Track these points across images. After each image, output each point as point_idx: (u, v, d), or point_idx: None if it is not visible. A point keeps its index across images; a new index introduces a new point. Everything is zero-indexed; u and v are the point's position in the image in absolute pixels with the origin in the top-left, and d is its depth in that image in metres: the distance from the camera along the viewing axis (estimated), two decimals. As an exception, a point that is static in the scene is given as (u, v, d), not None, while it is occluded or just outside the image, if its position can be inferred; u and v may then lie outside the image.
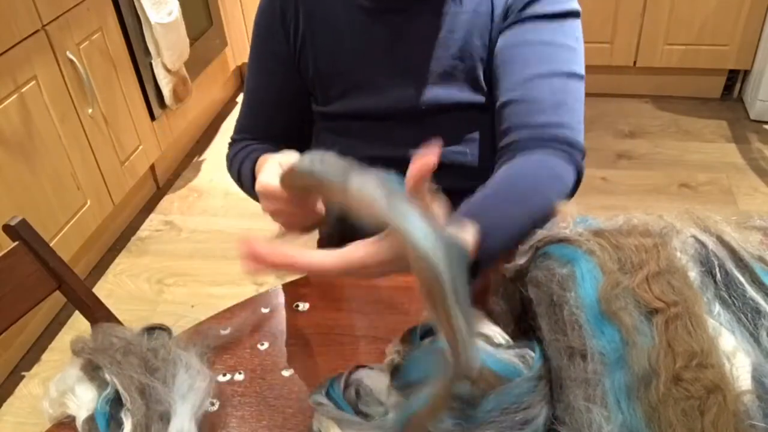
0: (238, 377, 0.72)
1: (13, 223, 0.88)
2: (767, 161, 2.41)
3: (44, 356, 1.80)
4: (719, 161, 2.42)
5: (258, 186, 0.73)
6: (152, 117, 2.27)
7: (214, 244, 2.18)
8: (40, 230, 0.91)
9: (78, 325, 1.87)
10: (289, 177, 0.65)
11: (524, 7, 0.86)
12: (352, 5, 0.90)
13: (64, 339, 1.85)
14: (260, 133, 1.00)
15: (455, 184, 0.70)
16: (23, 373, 1.75)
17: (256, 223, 2.18)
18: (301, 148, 0.94)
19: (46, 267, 0.91)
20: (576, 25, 0.87)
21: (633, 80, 2.76)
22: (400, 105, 0.92)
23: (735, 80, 2.77)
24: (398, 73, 0.91)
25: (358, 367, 0.64)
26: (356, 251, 0.55)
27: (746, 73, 2.73)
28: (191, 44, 2.38)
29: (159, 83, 2.25)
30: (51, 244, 0.93)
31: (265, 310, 0.81)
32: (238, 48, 2.95)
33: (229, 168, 1.00)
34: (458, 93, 0.91)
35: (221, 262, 2.10)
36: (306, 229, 0.78)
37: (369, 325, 0.77)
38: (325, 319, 0.79)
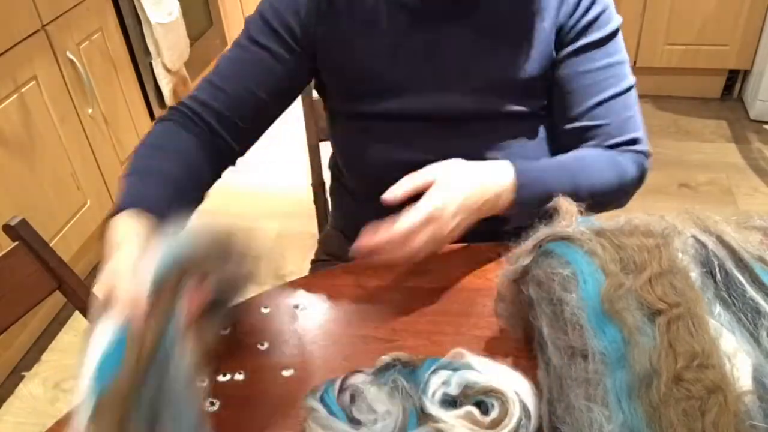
0: (238, 377, 0.72)
1: (13, 223, 0.88)
2: (767, 161, 2.41)
3: (44, 356, 1.80)
4: (719, 161, 2.42)
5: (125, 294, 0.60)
6: (152, 117, 2.27)
7: (214, 244, 2.18)
8: (40, 230, 0.91)
9: (78, 325, 1.87)
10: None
11: (579, 35, 0.88)
12: (396, 4, 0.87)
13: (64, 339, 1.85)
14: (221, 104, 0.89)
15: None
16: (23, 373, 1.75)
17: (256, 223, 2.18)
18: (251, 137, 0.93)
19: (46, 267, 0.91)
20: (621, 38, 0.91)
21: (633, 80, 2.75)
22: (436, 110, 0.90)
23: (735, 80, 2.77)
24: (436, 78, 0.89)
25: (355, 371, 0.64)
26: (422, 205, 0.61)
27: (746, 73, 2.73)
28: (191, 44, 2.38)
29: (159, 83, 2.25)
30: (51, 244, 0.93)
31: (265, 310, 0.81)
32: (238, 48, 2.95)
33: (146, 138, 0.89)
34: (496, 102, 0.90)
35: (221, 262, 2.09)
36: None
37: (369, 325, 0.77)
38: (325, 319, 0.79)
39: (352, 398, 0.61)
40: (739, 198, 2.22)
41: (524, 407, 0.58)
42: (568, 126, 0.91)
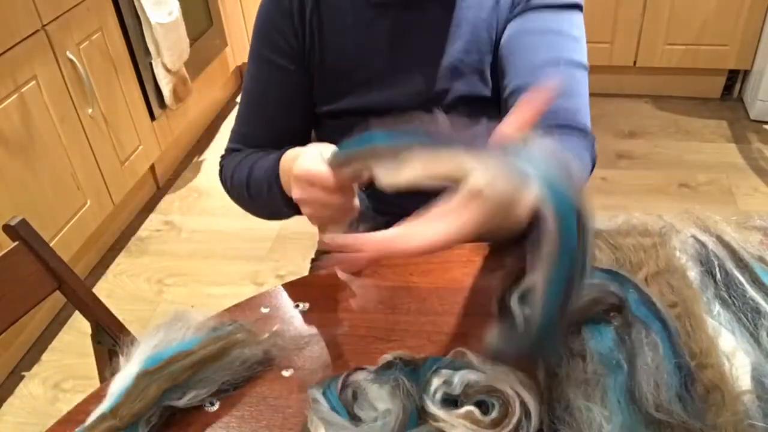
0: (238, 377, 0.72)
1: (13, 223, 0.88)
2: (767, 161, 2.41)
3: (44, 356, 1.80)
4: (719, 161, 2.42)
5: (299, 170, 0.68)
6: (152, 117, 2.27)
7: (214, 244, 2.18)
8: (40, 230, 0.91)
9: (78, 325, 1.87)
10: (344, 157, 0.63)
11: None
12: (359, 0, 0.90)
13: (64, 339, 1.85)
14: (261, 138, 0.95)
15: None
16: (23, 373, 1.75)
17: (257, 223, 2.18)
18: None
19: (46, 267, 0.91)
20: (580, 17, 0.88)
21: (633, 80, 2.76)
22: (407, 100, 0.92)
23: (735, 80, 2.77)
24: (405, 68, 0.91)
25: (358, 368, 0.64)
26: (457, 220, 0.50)
27: (746, 73, 2.73)
28: (191, 44, 2.38)
29: (159, 83, 2.25)
30: (51, 244, 0.93)
31: (265, 310, 0.81)
32: (238, 48, 2.95)
33: (231, 177, 0.94)
34: (465, 86, 0.92)
35: (221, 262, 2.10)
36: (337, 222, 0.73)
37: (369, 325, 0.77)
38: (325, 319, 0.79)
39: (354, 395, 0.61)
40: (739, 198, 2.22)
41: (524, 407, 0.58)
42: (513, 86, 0.84)
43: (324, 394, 0.61)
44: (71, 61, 1.83)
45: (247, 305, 0.82)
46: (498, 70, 0.90)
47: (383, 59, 0.92)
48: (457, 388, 0.60)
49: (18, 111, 1.66)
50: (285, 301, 0.83)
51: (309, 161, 0.68)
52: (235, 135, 0.98)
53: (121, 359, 0.69)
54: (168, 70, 2.25)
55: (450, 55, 0.90)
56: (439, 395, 0.60)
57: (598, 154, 0.94)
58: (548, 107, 0.73)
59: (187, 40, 2.33)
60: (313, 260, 1.13)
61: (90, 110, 1.92)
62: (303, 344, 0.76)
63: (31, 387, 1.71)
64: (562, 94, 0.82)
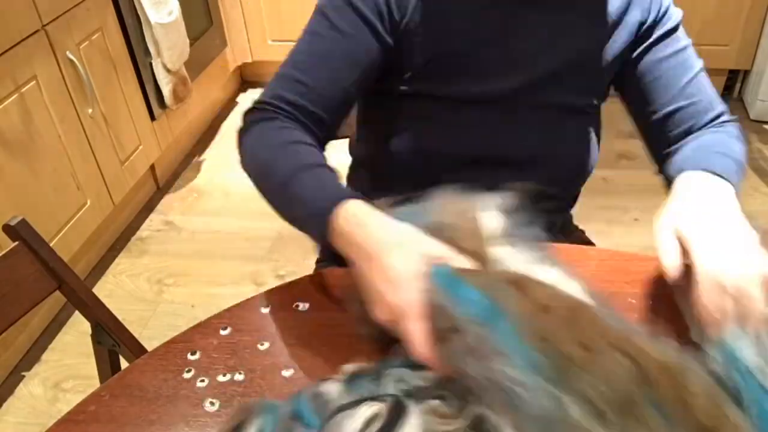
0: (238, 377, 0.72)
1: (13, 223, 0.88)
2: (767, 161, 2.41)
3: (44, 356, 1.80)
4: (719, 161, 2.42)
5: (400, 301, 0.61)
6: (152, 117, 2.27)
7: (214, 244, 2.18)
8: (40, 230, 0.91)
9: (78, 325, 1.87)
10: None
11: (654, 27, 0.93)
12: None
13: (64, 339, 1.85)
14: (315, 93, 0.85)
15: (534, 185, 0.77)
16: (23, 373, 1.75)
17: (257, 223, 2.18)
18: (334, 128, 0.90)
19: (46, 267, 0.91)
20: (682, 27, 0.97)
21: (633, 80, 2.75)
22: (501, 95, 0.91)
23: (735, 80, 2.77)
24: (506, 63, 0.90)
25: (323, 379, 0.64)
26: None
27: (746, 73, 2.73)
28: (191, 44, 2.38)
29: (159, 83, 2.25)
30: (51, 244, 0.93)
31: (265, 310, 0.81)
32: (238, 48, 2.95)
33: (252, 151, 0.84)
34: (562, 94, 0.93)
35: (221, 262, 2.10)
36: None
37: (369, 325, 0.77)
38: (325, 319, 0.79)
39: (323, 406, 0.61)
40: (739, 198, 2.22)
41: None
42: (664, 111, 0.94)
43: (294, 411, 0.61)
44: (71, 61, 1.83)
45: (247, 305, 0.82)
46: (628, 91, 0.98)
47: (486, 51, 0.89)
48: (410, 384, 0.61)
49: (18, 111, 1.66)
50: (285, 301, 0.83)
51: (414, 294, 0.61)
52: (275, 90, 0.86)
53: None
54: (168, 70, 2.25)
55: (554, 60, 0.91)
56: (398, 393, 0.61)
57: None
58: (706, 120, 0.94)
59: (187, 40, 2.33)
60: (318, 261, 1.13)
61: (90, 110, 1.92)
62: (303, 344, 0.76)
63: (31, 387, 1.71)
64: (709, 103, 0.94)
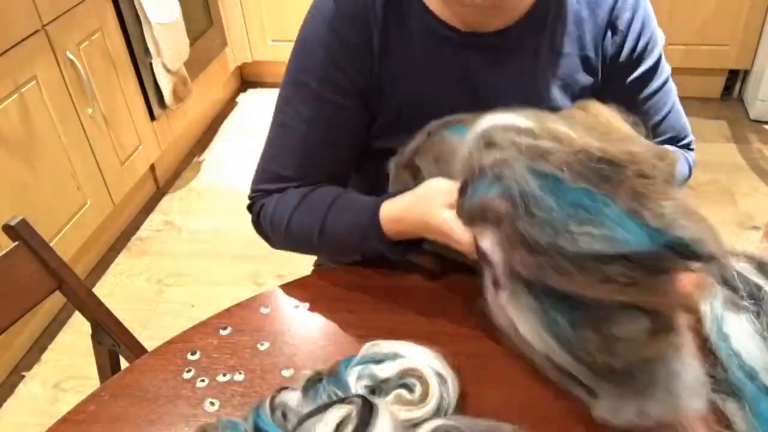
0: (238, 377, 0.72)
1: (13, 223, 0.88)
2: (767, 161, 2.41)
3: (44, 356, 1.80)
4: (719, 161, 2.42)
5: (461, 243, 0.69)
6: (152, 117, 2.27)
7: (214, 244, 2.18)
8: (40, 230, 0.91)
9: (78, 325, 1.87)
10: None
11: (635, 64, 0.90)
12: (435, 35, 0.84)
13: (64, 339, 1.85)
14: (312, 177, 0.88)
15: None
16: (23, 373, 1.75)
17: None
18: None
19: (46, 267, 0.91)
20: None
21: (633, 80, 2.75)
22: None
23: (735, 80, 2.77)
24: (477, 108, 0.88)
25: (282, 388, 0.64)
26: None
27: (746, 73, 2.73)
28: (191, 44, 2.38)
29: (159, 83, 2.25)
30: (51, 244, 0.93)
31: (265, 310, 0.81)
32: (238, 48, 2.95)
33: (279, 221, 0.87)
34: None
35: (221, 262, 2.10)
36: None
37: (369, 325, 0.77)
38: (325, 319, 0.79)
39: (284, 416, 0.61)
40: (739, 198, 2.22)
41: (439, 376, 0.64)
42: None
43: (256, 425, 0.61)
44: (71, 61, 1.83)
45: (247, 305, 0.82)
46: None
47: (453, 98, 0.85)
48: (370, 380, 0.64)
49: (18, 111, 1.66)
50: (285, 301, 0.83)
51: (459, 231, 0.69)
52: (272, 173, 0.90)
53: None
54: (168, 70, 2.25)
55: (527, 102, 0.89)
56: (361, 391, 0.62)
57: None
58: (666, 138, 0.95)
59: (187, 40, 2.33)
60: (316, 263, 1.13)
61: (90, 110, 1.92)
62: (303, 344, 0.76)
63: (31, 387, 1.71)
64: (682, 133, 0.97)
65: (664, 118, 0.95)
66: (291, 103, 0.88)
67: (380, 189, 0.86)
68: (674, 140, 0.97)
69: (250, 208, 0.94)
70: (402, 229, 0.78)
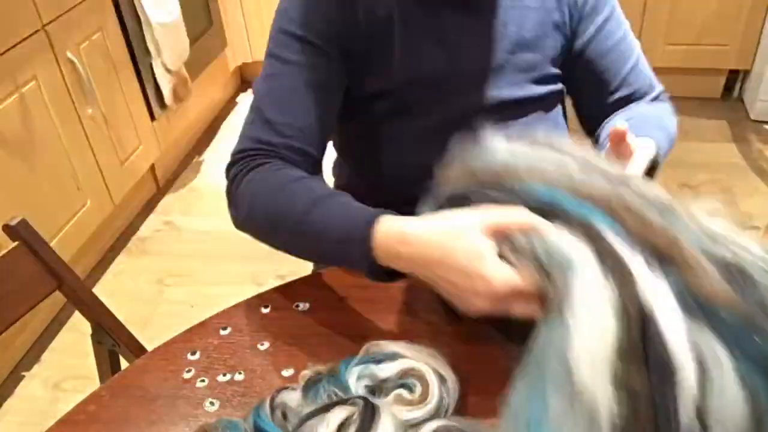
0: (238, 377, 0.72)
1: (13, 223, 0.88)
2: (767, 161, 2.41)
3: (44, 356, 1.80)
4: (719, 161, 2.42)
5: (502, 287, 0.58)
6: (152, 117, 2.27)
7: (214, 244, 2.18)
8: (40, 230, 0.91)
9: (78, 325, 1.87)
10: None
11: (593, 12, 0.94)
12: (410, 2, 0.88)
13: (64, 339, 1.85)
14: (289, 135, 0.84)
15: None
16: (23, 373, 1.75)
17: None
18: (320, 163, 0.90)
19: (46, 267, 0.91)
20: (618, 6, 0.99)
21: (633, 80, 2.75)
22: (448, 100, 0.92)
23: (735, 80, 2.77)
24: (448, 68, 0.91)
25: (282, 388, 0.64)
26: None
27: (746, 73, 2.73)
28: (191, 44, 2.38)
29: (159, 83, 2.25)
30: (51, 244, 0.93)
31: (265, 310, 0.81)
32: (238, 48, 2.95)
33: (251, 195, 0.81)
34: (507, 87, 0.93)
35: (221, 262, 2.10)
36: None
37: (369, 325, 0.77)
38: (325, 319, 0.79)
39: (284, 416, 0.62)
40: (739, 198, 2.22)
41: (439, 375, 0.63)
42: (611, 99, 0.97)
43: (255, 425, 0.61)
44: (71, 61, 1.83)
45: (247, 305, 0.82)
46: (574, 74, 0.98)
47: (429, 58, 0.90)
48: (373, 379, 0.64)
49: (18, 111, 1.66)
50: (285, 301, 0.83)
51: (503, 272, 0.58)
52: (253, 135, 0.86)
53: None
54: (168, 70, 2.25)
55: (496, 54, 0.91)
56: (361, 391, 0.62)
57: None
58: (637, 87, 0.96)
59: (187, 40, 2.33)
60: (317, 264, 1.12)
61: (90, 110, 1.92)
62: (303, 344, 0.76)
63: (31, 387, 1.71)
64: (649, 86, 0.99)
65: (633, 68, 0.97)
66: (276, 54, 0.88)
67: (376, 153, 0.95)
68: (644, 93, 0.98)
69: (228, 170, 0.86)
70: (404, 252, 0.66)
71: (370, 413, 0.56)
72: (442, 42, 0.90)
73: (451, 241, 0.62)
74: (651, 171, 0.77)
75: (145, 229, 2.28)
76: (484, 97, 0.93)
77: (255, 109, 0.88)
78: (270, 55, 0.89)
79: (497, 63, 0.92)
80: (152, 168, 2.40)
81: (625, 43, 0.97)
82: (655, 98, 1.00)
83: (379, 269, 0.69)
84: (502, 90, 0.93)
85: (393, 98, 0.93)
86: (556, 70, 0.96)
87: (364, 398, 0.58)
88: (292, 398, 0.62)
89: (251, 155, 0.83)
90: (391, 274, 0.69)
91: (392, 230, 0.67)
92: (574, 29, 0.95)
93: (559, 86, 0.98)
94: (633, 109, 0.96)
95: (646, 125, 0.88)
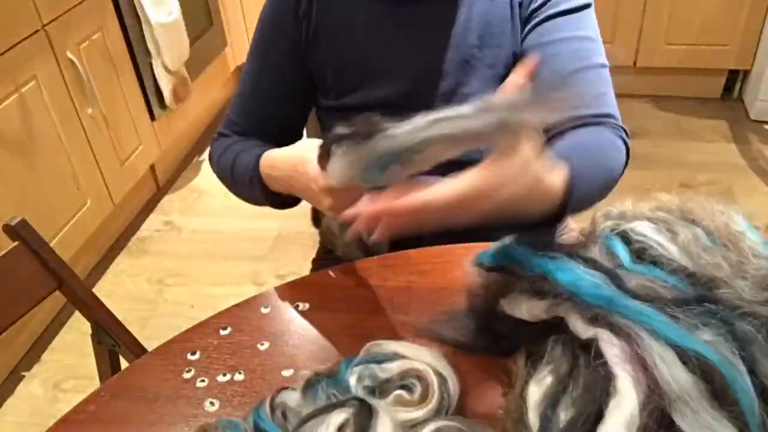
0: (238, 377, 0.72)
1: (13, 223, 0.88)
2: (767, 161, 2.41)
3: (44, 356, 1.80)
4: (719, 161, 2.42)
5: (322, 186, 0.70)
6: (152, 117, 2.27)
7: (214, 244, 2.18)
8: (40, 230, 0.91)
9: (78, 325, 1.87)
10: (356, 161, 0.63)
11: (542, 5, 0.88)
12: None
13: (64, 339, 1.85)
14: (253, 128, 0.99)
15: None
16: (23, 373, 1.75)
17: (257, 223, 2.18)
18: (293, 137, 1.01)
19: (46, 267, 0.91)
20: (592, 15, 0.89)
21: (633, 80, 2.75)
22: (417, 95, 0.92)
23: (735, 80, 2.77)
24: (415, 62, 0.91)
25: (282, 389, 0.64)
26: (475, 176, 0.57)
27: (746, 73, 2.73)
28: (191, 44, 2.38)
29: (159, 83, 2.25)
30: (51, 244, 0.93)
31: (265, 310, 0.81)
32: (238, 48, 2.95)
33: (217, 161, 0.99)
34: (477, 82, 0.92)
35: (221, 262, 2.10)
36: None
37: (369, 325, 0.77)
38: (325, 319, 0.79)
39: (284, 416, 0.61)
40: (739, 198, 2.22)
41: (440, 376, 0.63)
42: None
43: (255, 425, 0.60)
44: (71, 61, 1.83)
45: (247, 305, 0.82)
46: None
47: (394, 53, 0.92)
48: (373, 380, 0.64)
49: (18, 111, 1.66)
50: (285, 301, 0.83)
51: (320, 175, 0.70)
52: (228, 120, 1.02)
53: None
54: (168, 70, 2.25)
55: (461, 49, 0.91)
56: (361, 392, 0.62)
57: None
58: (581, 115, 0.80)
59: (187, 40, 2.33)
60: (314, 260, 1.13)
61: (90, 110, 1.92)
62: (303, 344, 0.76)
63: (31, 387, 1.71)
64: (593, 100, 0.84)
65: (574, 72, 0.84)
66: (248, 61, 1.00)
67: None
68: (587, 105, 0.84)
69: (212, 141, 1.04)
70: (275, 175, 0.83)
71: (366, 415, 0.56)
72: (405, 37, 0.91)
73: (294, 157, 0.78)
74: (566, 195, 0.67)
75: (145, 229, 2.28)
76: (449, 90, 0.92)
77: (232, 103, 1.03)
78: (248, 55, 1.00)
79: (463, 57, 0.91)
80: (152, 168, 2.40)
81: (577, 45, 0.86)
82: (600, 117, 0.84)
83: (275, 197, 0.86)
84: (472, 84, 0.92)
85: (360, 93, 0.95)
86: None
87: (361, 399, 0.58)
88: (292, 398, 0.62)
89: (224, 134, 1.03)
90: (285, 202, 0.87)
91: (266, 160, 0.85)
92: (524, 20, 0.90)
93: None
94: (573, 138, 0.81)
95: (586, 154, 0.77)
